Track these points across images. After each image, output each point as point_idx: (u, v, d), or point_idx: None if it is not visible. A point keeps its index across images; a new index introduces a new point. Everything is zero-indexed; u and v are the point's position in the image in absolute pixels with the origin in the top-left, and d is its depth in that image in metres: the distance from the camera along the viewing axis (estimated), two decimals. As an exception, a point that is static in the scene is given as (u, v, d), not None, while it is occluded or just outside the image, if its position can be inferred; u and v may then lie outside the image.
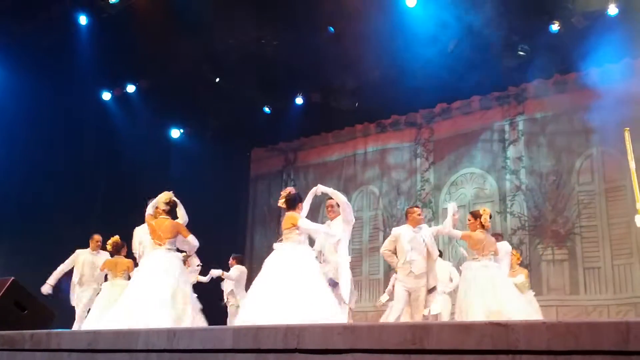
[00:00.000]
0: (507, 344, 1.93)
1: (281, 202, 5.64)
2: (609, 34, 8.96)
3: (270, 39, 10.58)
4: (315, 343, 2.36)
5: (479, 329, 1.99)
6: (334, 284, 5.58)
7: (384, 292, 8.26)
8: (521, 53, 9.86)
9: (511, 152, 10.75)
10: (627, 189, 9.37)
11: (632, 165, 6.06)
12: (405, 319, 6.43)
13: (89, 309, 7.69)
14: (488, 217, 6.60)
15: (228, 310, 8.97)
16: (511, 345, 1.92)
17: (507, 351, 1.92)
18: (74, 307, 8.35)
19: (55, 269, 8.58)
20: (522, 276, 7.87)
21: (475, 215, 6.65)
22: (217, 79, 11.69)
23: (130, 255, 7.57)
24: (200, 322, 5.81)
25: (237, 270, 8.96)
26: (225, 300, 9.08)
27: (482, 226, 6.54)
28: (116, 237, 7.76)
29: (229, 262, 9.23)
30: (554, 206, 10.10)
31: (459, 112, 11.52)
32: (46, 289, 8.12)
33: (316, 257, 5.65)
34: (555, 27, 9.50)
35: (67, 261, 8.42)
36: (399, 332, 2.16)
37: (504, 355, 1.93)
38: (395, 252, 6.56)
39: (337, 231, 5.75)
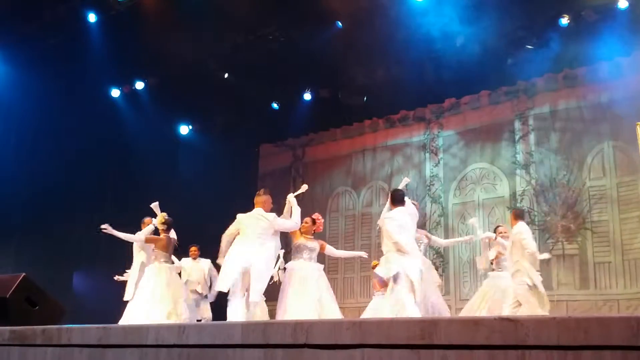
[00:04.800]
0: (516, 339, 1.92)
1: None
2: (619, 28, 8.91)
3: (278, 35, 10.57)
4: (323, 338, 2.36)
5: (488, 325, 1.99)
6: None
7: None
8: (530, 47, 9.81)
9: (521, 146, 10.69)
10: (638, 183, 9.31)
11: (643, 159, 6.03)
12: None
13: None
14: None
15: None
16: (520, 340, 1.91)
17: (517, 346, 1.92)
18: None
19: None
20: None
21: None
22: (226, 75, 11.70)
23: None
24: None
25: None
26: None
27: None
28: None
29: None
30: (564, 201, 10.05)
31: (468, 107, 11.46)
32: None
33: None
34: (565, 20, 9.44)
35: None
36: (407, 327, 2.16)
37: (513, 350, 1.93)
38: None
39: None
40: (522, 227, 7.14)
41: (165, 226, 7.36)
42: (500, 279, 7.49)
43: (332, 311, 6.16)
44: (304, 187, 6.57)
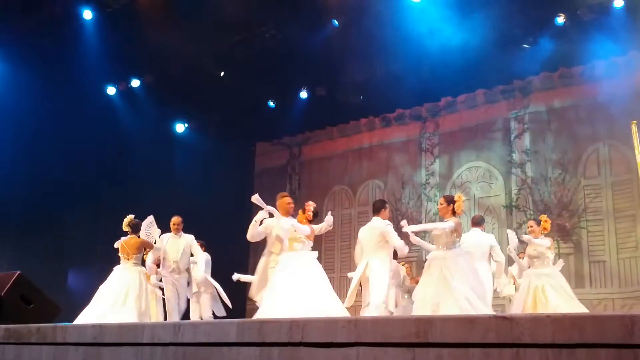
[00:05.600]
0: (511, 337, 1.93)
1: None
2: (615, 27, 8.92)
3: (274, 33, 10.56)
4: (319, 336, 2.36)
5: (484, 323, 1.99)
6: None
7: None
8: (526, 46, 9.83)
9: (517, 145, 10.71)
10: (633, 182, 9.33)
11: (639, 158, 6.04)
12: None
13: None
14: (462, 204, 6.26)
15: None
16: (516, 338, 1.92)
17: (512, 344, 1.92)
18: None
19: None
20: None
21: (449, 201, 6.27)
22: (222, 74, 11.68)
23: None
24: None
25: None
26: None
27: (454, 213, 6.19)
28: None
29: None
30: (559, 200, 10.07)
31: (464, 105, 11.48)
32: None
33: None
34: (561, 19, 9.46)
35: None
36: (403, 325, 2.16)
37: (508, 348, 1.93)
38: None
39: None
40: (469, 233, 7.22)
41: (130, 229, 7.51)
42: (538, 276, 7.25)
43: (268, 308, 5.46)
44: (255, 197, 6.48)
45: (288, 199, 6.30)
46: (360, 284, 6.24)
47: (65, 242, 11.18)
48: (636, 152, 6.23)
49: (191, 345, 2.81)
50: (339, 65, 11.00)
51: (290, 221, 6.10)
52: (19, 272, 5.21)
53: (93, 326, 3.35)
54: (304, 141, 13.53)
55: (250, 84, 11.72)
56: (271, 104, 12.62)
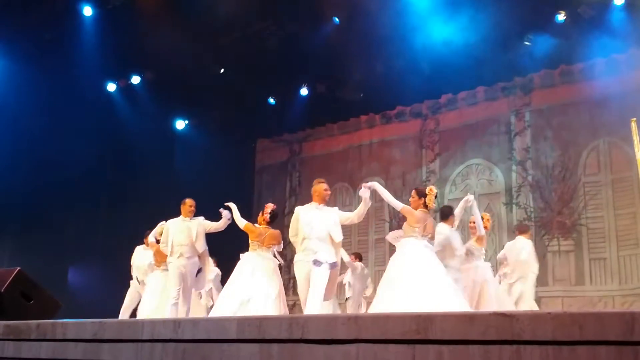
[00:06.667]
0: (511, 334, 1.92)
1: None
2: (616, 24, 8.93)
3: (275, 30, 10.56)
4: (319, 333, 2.36)
5: (484, 319, 1.99)
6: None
7: None
8: (527, 43, 9.82)
9: (517, 143, 10.71)
10: (633, 180, 9.32)
11: (639, 156, 6.03)
12: None
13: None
14: (433, 198, 6.10)
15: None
16: (516, 335, 1.92)
17: (512, 341, 1.92)
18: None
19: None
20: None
21: (420, 194, 6.16)
22: (222, 70, 11.68)
23: None
24: None
25: None
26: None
27: (426, 206, 6.10)
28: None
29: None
30: (560, 197, 10.07)
31: (465, 103, 11.47)
32: None
33: None
34: (561, 17, 9.45)
35: None
36: (403, 322, 2.16)
37: (508, 345, 1.93)
38: None
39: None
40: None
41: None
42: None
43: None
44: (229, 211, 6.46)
45: (324, 185, 5.80)
46: None
47: (65, 238, 11.18)
48: (636, 149, 6.22)
49: (191, 342, 2.81)
50: (340, 62, 11.00)
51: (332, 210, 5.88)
52: (19, 268, 5.20)
53: (92, 322, 3.35)
54: (304, 138, 13.53)
55: (251, 80, 11.72)
56: (272, 100, 12.62)
